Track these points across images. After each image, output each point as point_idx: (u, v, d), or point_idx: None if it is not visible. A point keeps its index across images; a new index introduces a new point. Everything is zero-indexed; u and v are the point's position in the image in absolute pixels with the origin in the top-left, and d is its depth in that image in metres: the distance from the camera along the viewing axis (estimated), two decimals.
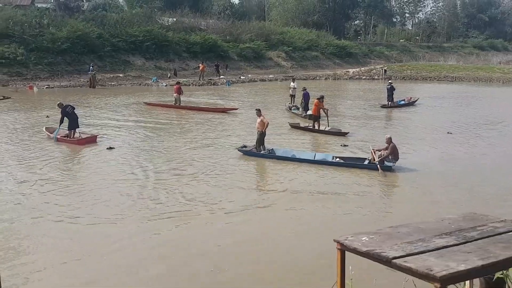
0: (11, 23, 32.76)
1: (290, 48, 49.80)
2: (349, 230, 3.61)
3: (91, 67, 30.33)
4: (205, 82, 35.40)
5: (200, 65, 36.74)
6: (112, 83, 32.11)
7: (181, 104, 21.85)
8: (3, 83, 28.00)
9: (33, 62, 31.73)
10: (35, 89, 27.34)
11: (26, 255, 6.87)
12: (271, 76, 41.45)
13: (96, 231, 7.83)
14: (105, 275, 6.43)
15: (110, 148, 13.51)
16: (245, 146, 13.47)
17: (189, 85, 32.64)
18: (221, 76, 38.36)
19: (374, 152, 12.12)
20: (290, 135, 16.27)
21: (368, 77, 43.13)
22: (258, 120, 13.24)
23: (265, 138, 13.26)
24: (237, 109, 21.53)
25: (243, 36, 47.06)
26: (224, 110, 21.21)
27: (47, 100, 23.15)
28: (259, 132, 13.13)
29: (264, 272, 6.56)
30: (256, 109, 13.75)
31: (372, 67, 48.47)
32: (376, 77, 42.91)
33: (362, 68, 47.98)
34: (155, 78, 34.88)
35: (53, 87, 28.72)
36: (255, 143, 13.29)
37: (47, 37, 33.23)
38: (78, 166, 12.22)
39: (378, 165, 11.50)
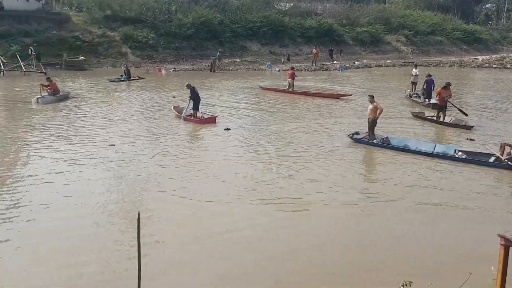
0: (144, 9, 36.13)
1: (412, 32, 46.86)
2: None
3: (218, 53, 32.37)
4: (317, 67, 35.12)
5: (314, 50, 36.55)
6: (230, 68, 33.61)
7: (294, 89, 22.07)
8: (136, 64, 31.07)
9: (162, 46, 34.60)
10: (163, 71, 29.90)
11: (149, 227, 7.27)
12: (388, 61, 39.54)
13: (216, 210, 8.20)
14: (224, 254, 6.70)
15: (227, 129, 14.22)
16: (357, 133, 13.21)
17: (302, 70, 32.67)
18: (335, 62, 37.68)
19: (503, 148, 10.97)
20: (409, 125, 15.46)
21: (499, 66, 38.72)
22: (370, 106, 12.82)
23: (380, 126, 12.82)
24: (351, 95, 21.07)
25: (361, 20, 45.50)
26: (337, 96, 20.91)
27: (173, 82, 25.18)
28: (370, 120, 12.76)
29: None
30: (369, 95, 13.32)
31: (505, 54, 43.37)
32: (508, 66, 38.35)
33: (493, 56, 43.22)
34: (269, 63, 35.62)
35: (178, 70, 31.09)
36: (367, 131, 12.96)
37: (175, 22, 35.89)
38: (199, 144, 13.11)
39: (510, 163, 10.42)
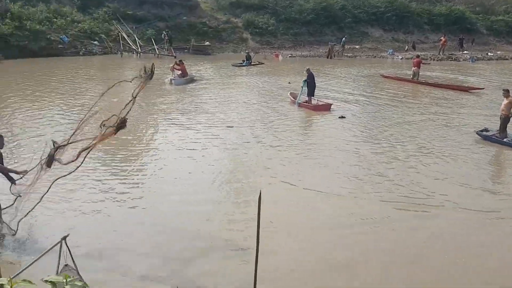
0: None
1: None
2: None
3: (344, 38, 32.32)
4: (445, 57, 32.53)
5: (442, 38, 33.77)
6: (348, 55, 32.79)
7: (419, 79, 20.76)
8: (255, 50, 32.01)
9: (280, 32, 35.08)
10: (280, 57, 30.35)
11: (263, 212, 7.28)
12: None
13: (334, 203, 7.90)
14: (349, 252, 6.35)
15: (342, 117, 13.96)
16: (486, 130, 12.07)
17: (427, 59, 30.46)
18: (465, 52, 34.44)
19: None
20: None
21: None
22: (505, 101, 11.61)
23: None
24: (482, 89, 19.13)
25: (497, 8, 40.90)
26: (467, 89, 19.16)
27: (290, 68, 25.44)
28: (503, 116, 11.53)
29: None
30: (503, 89, 12.06)
31: None
32: None
33: None
34: (391, 50, 33.93)
35: (295, 56, 31.29)
36: (498, 128, 11.73)
37: (295, 8, 36.03)
38: (312, 132, 13.11)
39: None
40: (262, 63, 26.52)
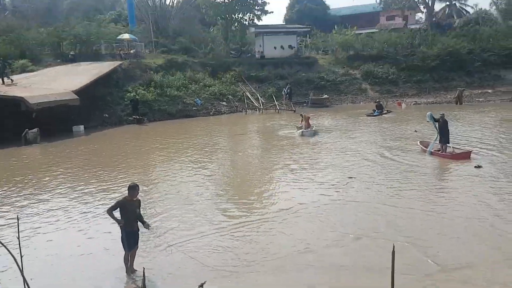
0: (386, 45, 36.74)
1: None
2: None
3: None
4: None
5: None
6: (480, 99, 30.33)
7: None
8: (374, 99, 31.44)
9: (402, 80, 34.22)
10: (403, 105, 29.36)
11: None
12: None
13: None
14: None
15: (478, 166, 12.78)
16: None
17: None
18: None
19: None
20: None
21: None
22: None
23: None
24: None
25: None
26: None
27: (415, 116, 24.39)
28: None
29: None
30: None
31: None
32: None
33: None
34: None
35: (420, 104, 29.98)
36: None
37: (417, 56, 35.17)
38: (443, 184, 12.11)
39: None
40: (391, 111, 26.16)
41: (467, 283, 6.59)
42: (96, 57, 31.92)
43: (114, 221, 7.09)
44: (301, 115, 21.04)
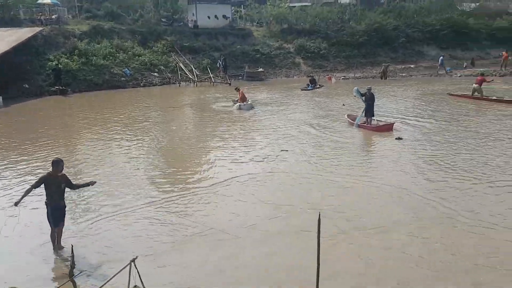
0: (317, 20, 37.47)
1: None
2: None
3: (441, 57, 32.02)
4: (507, 72, 30.94)
5: (503, 53, 32.34)
6: (403, 74, 32.17)
7: (485, 96, 20.07)
8: (307, 74, 32.22)
9: (333, 55, 35.23)
10: (333, 80, 30.34)
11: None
12: None
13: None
14: None
15: (399, 138, 13.64)
16: None
17: (488, 75, 29.15)
18: None
19: None
20: None
21: None
22: None
23: None
24: None
25: None
26: None
27: (343, 90, 25.38)
28: None
29: None
30: None
31: None
32: None
33: None
34: (450, 68, 32.82)
35: (348, 78, 31.17)
36: None
37: (347, 31, 36.24)
38: (368, 155, 12.81)
39: None
40: (322, 86, 26.92)
41: (381, 240, 7.25)
42: (14, 22, 29.21)
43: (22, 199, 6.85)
44: (236, 89, 20.99)
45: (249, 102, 20.09)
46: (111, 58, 28.68)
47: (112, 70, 27.93)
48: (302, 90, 25.66)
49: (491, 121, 15.93)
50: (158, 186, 10.05)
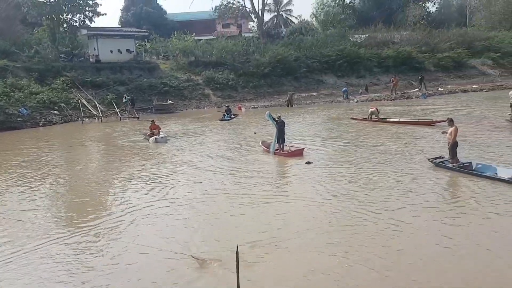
0: (224, 53, 38.47)
1: (498, 54, 44.13)
2: None
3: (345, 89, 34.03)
4: (397, 96, 34.30)
5: (393, 78, 35.91)
6: (307, 102, 34.02)
7: (384, 118, 22.06)
8: (218, 104, 32.61)
9: (241, 86, 36.22)
10: (243, 109, 31.06)
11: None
12: (474, 86, 37.43)
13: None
14: None
15: (308, 162, 14.16)
16: (442, 157, 13.06)
17: (381, 100, 32.09)
18: (415, 89, 36.53)
19: None
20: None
21: None
22: (450, 130, 12.68)
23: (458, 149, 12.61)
24: (444, 121, 20.24)
25: (441, 45, 43.96)
26: (430, 123, 20.25)
27: (253, 118, 26.03)
28: (450, 143, 12.56)
29: None
30: (447, 119, 13.21)
31: None
32: None
33: None
34: (345, 89, 35.36)
35: (257, 107, 32.13)
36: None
37: (252, 63, 37.64)
38: (283, 180, 13.24)
39: None
40: (237, 115, 27.31)
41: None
42: None
43: None
44: (152, 121, 20.54)
45: (164, 135, 19.65)
46: (5, 97, 26.51)
47: (6, 111, 25.71)
48: (220, 120, 25.80)
49: (388, 139, 17.42)
50: (58, 228, 9.20)
